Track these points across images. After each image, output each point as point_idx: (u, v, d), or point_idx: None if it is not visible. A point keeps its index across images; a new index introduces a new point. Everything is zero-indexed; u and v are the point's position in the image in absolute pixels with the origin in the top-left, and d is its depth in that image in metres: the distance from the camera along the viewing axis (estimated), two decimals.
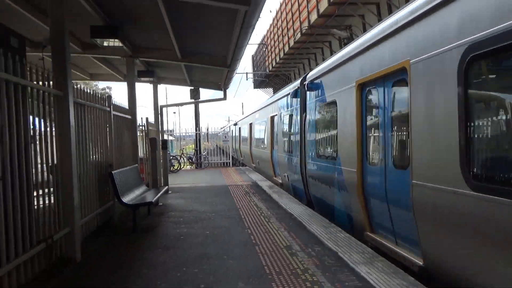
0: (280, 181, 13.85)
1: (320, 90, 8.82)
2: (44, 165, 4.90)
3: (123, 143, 9.14)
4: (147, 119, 12.32)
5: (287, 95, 11.91)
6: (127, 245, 6.44)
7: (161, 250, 6.06)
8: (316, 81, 9.09)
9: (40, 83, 4.83)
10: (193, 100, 15.10)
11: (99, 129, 7.34)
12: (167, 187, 9.38)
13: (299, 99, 10.54)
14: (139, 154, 12.05)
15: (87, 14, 7.31)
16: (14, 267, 3.98)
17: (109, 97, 7.78)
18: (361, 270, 4.80)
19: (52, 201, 5.08)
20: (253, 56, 42.75)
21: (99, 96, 7.35)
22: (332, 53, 21.95)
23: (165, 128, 40.01)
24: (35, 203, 4.68)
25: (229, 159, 23.59)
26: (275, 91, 39.38)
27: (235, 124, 30.32)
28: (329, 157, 8.24)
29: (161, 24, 8.07)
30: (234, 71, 11.11)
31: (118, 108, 8.69)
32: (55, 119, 5.25)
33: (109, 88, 45.86)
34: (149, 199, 7.71)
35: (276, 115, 14.05)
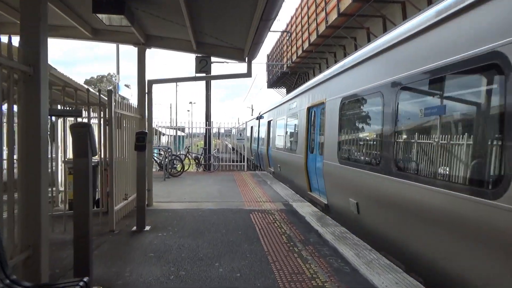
0: (252, 157, 21.55)
1: (264, 118, 17.50)
2: None
3: None
4: (110, 91, 5.61)
5: (254, 118, 21.15)
6: None
7: None
8: (263, 114, 18.02)
9: None
10: (200, 75, 8.35)
11: None
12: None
13: (259, 120, 19.27)
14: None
15: None
16: None
17: None
18: None
19: None
20: (268, 55, 35.91)
21: None
22: (346, 54, 18.45)
23: (174, 123, 33.43)
24: None
25: (243, 162, 16.81)
26: (288, 91, 32.83)
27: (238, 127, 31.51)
28: (262, 144, 17.57)
29: None
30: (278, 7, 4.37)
31: None
32: None
33: (128, 86, 35.64)
34: None
35: (252, 126, 21.97)
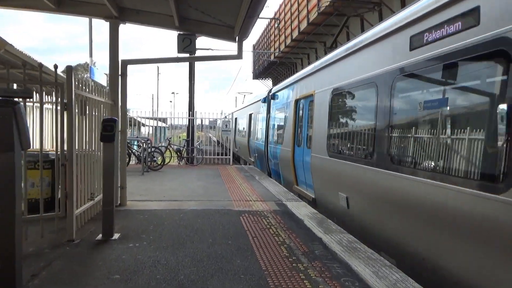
0: (252, 159, 16.27)
1: (280, 97, 11.53)
2: None
3: None
4: (69, 67, 4.47)
5: (259, 100, 14.87)
6: None
7: None
8: (278, 93, 11.91)
9: None
10: (184, 55, 7.26)
11: None
12: None
13: (268, 103, 12.98)
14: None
15: None
16: None
17: None
18: None
19: None
20: (254, 45, 34.75)
21: None
22: (337, 45, 17.44)
23: (156, 114, 32.05)
24: None
25: (229, 155, 15.74)
26: (275, 83, 31.82)
27: (225, 118, 26.03)
28: (276, 141, 11.52)
29: None
30: None
31: None
32: None
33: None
34: None
35: (253, 113, 16.47)
